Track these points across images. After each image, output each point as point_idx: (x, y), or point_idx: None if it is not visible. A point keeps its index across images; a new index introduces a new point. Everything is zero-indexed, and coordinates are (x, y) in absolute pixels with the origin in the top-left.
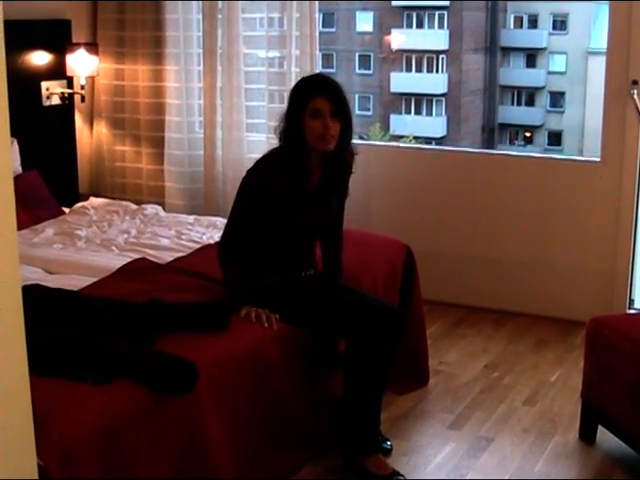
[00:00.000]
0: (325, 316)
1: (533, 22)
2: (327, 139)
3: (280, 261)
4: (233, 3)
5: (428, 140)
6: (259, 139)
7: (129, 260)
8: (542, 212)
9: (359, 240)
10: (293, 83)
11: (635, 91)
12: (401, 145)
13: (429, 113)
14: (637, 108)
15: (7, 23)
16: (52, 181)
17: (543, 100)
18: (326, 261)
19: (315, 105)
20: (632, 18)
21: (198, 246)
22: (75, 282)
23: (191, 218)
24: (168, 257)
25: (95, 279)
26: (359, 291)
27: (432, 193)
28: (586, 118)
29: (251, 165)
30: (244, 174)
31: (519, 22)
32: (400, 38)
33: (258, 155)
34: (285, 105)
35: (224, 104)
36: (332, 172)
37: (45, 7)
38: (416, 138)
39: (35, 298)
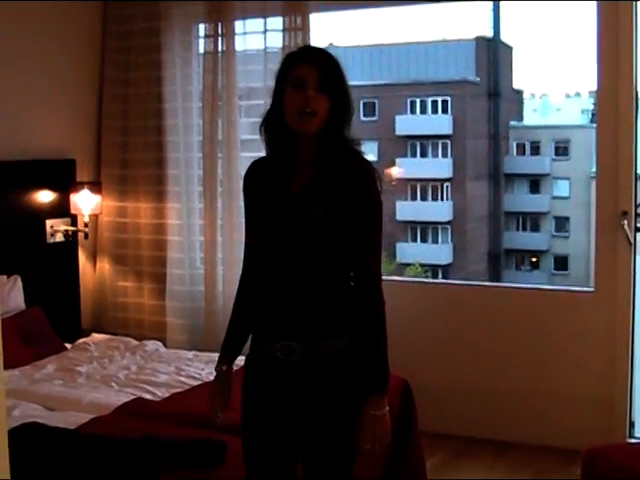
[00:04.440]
0: None
1: (535, 149)
2: (305, 117)
3: (260, 306)
4: (233, 141)
5: (434, 267)
6: None
7: (127, 397)
8: (539, 342)
9: None
10: None
11: (625, 222)
12: (402, 279)
13: (435, 240)
14: (628, 238)
15: (14, 164)
16: (55, 317)
17: (548, 225)
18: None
19: (297, 73)
20: (619, 147)
21: (197, 382)
22: (74, 419)
23: (190, 354)
24: (166, 393)
25: (94, 416)
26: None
27: (430, 324)
28: (591, 242)
29: None
30: None
31: (522, 149)
32: (404, 167)
33: None
34: None
35: (225, 240)
36: (323, 168)
37: (51, 147)
38: (422, 266)
39: (33, 437)
